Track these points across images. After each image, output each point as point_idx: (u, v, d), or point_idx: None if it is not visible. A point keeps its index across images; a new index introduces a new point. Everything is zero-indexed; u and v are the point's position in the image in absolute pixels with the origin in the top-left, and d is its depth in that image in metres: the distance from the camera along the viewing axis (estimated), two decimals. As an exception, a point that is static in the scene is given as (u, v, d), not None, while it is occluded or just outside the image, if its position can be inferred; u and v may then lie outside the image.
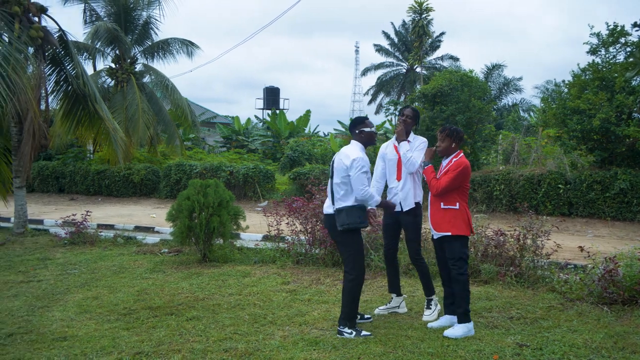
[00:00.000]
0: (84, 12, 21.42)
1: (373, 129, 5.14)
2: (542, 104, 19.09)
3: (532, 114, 35.61)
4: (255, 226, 10.71)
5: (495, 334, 4.96)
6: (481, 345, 4.63)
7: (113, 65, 22.16)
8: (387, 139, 31.11)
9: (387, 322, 5.36)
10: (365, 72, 47.72)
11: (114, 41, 21.17)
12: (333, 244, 7.73)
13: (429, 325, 5.18)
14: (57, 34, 11.40)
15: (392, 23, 51.94)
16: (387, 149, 5.70)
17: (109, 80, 22.59)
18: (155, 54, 22.98)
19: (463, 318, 4.93)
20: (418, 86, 37.26)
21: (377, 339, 4.83)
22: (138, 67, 22.73)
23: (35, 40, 10.73)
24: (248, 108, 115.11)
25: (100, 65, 22.75)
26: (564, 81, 17.15)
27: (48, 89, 11.44)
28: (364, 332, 4.97)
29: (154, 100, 22.48)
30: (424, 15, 36.38)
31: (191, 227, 8.13)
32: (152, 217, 14.74)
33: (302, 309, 5.85)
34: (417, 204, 5.51)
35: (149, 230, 12.39)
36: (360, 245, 5.04)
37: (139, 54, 22.89)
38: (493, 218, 12.99)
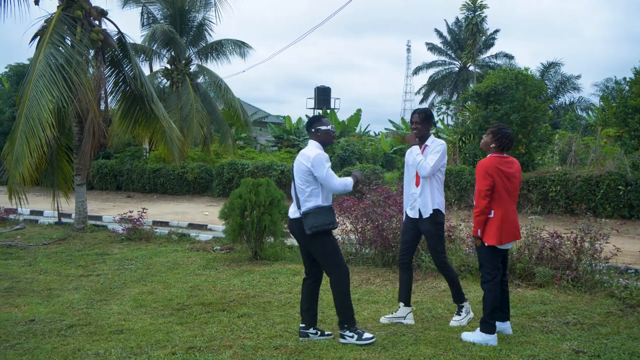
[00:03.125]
0: (142, 14, 22.05)
1: (329, 128, 4.96)
2: (602, 103, 18.50)
3: (590, 113, 34.49)
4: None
5: (550, 339, 4.83)
6: (535, 350, 4.52)
7: (169, 67, 22.71)
8: (439, 138, 30.73)
9: (439, 324, 5.30)
10: (416, 71, 47.28)
11: (170, 43, 21.69)
12: (383, 243, 7.70)
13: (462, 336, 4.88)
14: (116, 37, 11.77)
15: (445, 21, 51.22)
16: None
17: (165, 81, 23.18)
18: (209, 55, 23.43)
19: (482, 327, 4.72)
20: (471, 85, 36.66)
21: (428, 341, 4.78)
22: (192, 68, 23.22)
23: (96, 43, 11.11)
24: (299, 107, 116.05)
25: (157, 67, 23.38)
26: (625, 79, 16.55)
27: (107, 89, 11.82)
28: (366, 335, 4.76)
29: (207, 100, 22.93)
30: (477, 13, 35.78)
31: (243, 225, 8.25)
32: (205, 214, 15.03)
33: (351, 308, 5.85)
34: (436, 210, 5.22)
35: (202, 227, 12.64)
36: (334, 244, 4.79)
37: (193, 55, 23.38)
38: (548, 220, 12.64)
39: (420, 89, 47.64)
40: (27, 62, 19.12)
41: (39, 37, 10.77)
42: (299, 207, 4.78)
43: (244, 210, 8.28)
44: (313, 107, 46.18)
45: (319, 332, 4.96)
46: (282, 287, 6.84)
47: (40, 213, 14.56)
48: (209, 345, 4.73)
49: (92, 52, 11.34)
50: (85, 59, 10.92)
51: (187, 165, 20.09)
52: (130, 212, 11.24)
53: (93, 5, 11.37)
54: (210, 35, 23.24)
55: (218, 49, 23.28)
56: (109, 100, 12.04)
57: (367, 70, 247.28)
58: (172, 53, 22.45)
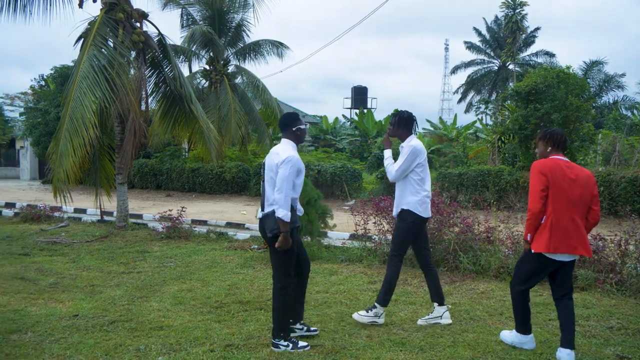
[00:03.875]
0: (181, 16, 22.39)
1: (306, 127, 4.94)
2: (648, 102, 17.91)
3: (635, 112, 33.48)
4: (342, 225, 10.77)
5: (593, 344, 4.72)
6: (578, 355, 4.42)
7: (207, 67, 23.01)
8: (477, 138, 30.32)
9: (477, 326, 5.23)
10: (455, 70, 46.77)
11: (209, 44, 21.96)
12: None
13: (501, 336, 4.80)
14: (157, 38, 11.98)
15: (484, 19, 50.50)
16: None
17: (204, 81, 23.49)
18: (247, 55, 23.64)
19: (517, 326, 4.63)
20: (511, 84, 36.05)
21: (466, 343, 4.73)
22: (230, 69, 23.46)
23: (137, 45, 11.33)
24: (335, 107, 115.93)
25: (196, 67, 23.71)
26: (672, 77, 16.01)
27: (148, 90, 12.03)
28: (300, 343, 4.67)
29: (245, 100, 23.14)
30: (517, 10, 35.17)
31: (280, 225, 8.29)
32: (242, 214, 15.18)
33: (388, 309, 5.82)
34: (405, 210, 5.27)
35: (240, 226, 12.76)
36: (291, 252, 4.68)
37: (231, 56, 23.62)
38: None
39: (458, 88, 47.11)
40: (71, 64, 19.62)
41: (82, 39, 11.04)
42: (262, 209, 4.71)
43: (281, 209, 8.31)
44: (350, 106, 46.17)
45: (305, 327, 4.97)
46: (318, 286, 6.85)
47: (84, 211, 14.94)
48: (247, 343, 4.77)
49: (133, 53, 11.56)
50: (126, 61, 11.15)
51: (225, 165, 20.31)
52: (169, 210, 11.42)
53: (134, 7, 11.58)
54: (248, 36, 23.48)
55: (256, 49, 23.47)
56: (149, 100, 12.25)
57: (404, 69, 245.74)
58: (211, 54, 22.72)
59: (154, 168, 22.29)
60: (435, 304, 5.38)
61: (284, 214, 4.48)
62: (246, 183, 20.30)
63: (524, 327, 4.57)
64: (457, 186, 16.79)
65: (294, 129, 4.81)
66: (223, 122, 20.91)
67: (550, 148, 4.48)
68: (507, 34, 37.12)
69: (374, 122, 34.56)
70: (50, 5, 10.90)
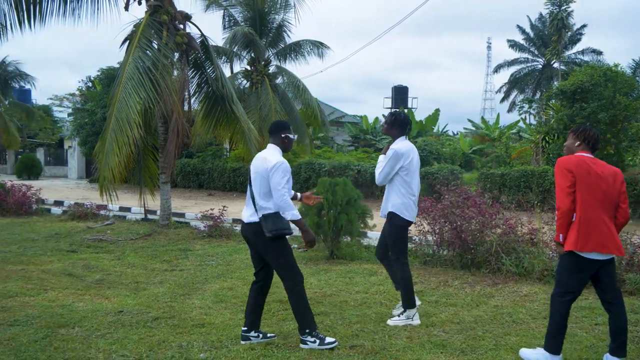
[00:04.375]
0: (223, 17, 22.66)
1: (295, 137, 4.95)
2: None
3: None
4: (381, 225, 10.70)
5: (642, 350, 4.58)
6: (625, 361, 4.30)
7: (248, 68, 23.23)
8: (520, 138, 29.74)
9: (520, 330, 5.14)
10: (497, 69, 46.03)
11: (250, 44, 22.16)
12: (462, 245, 7.55)
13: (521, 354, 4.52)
14: (199, 39, 12.16)
15: (528, 16, 49.46)
16: None
17: (245, 81, 23.72)
18: (288, 55, 23.76)
19: (546, 344, 4.31)
20: (555, 82, 35.23)
21: (508, 347, 4.66)
22: (271, 69, 23.63)
23: (180, 46, 11.53)
24: (376, 107, 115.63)
25: (237, 68, 23.96)
26: None
27: (191, 91, 12.22)
28: (328, 339, 4.70)
29: (285, 100, 23.27)
30: (563, 7, 34.33)
31: (320, 225, 8.32)
32: (282, 213, 15.25)
33: (428, 310, 5.78)
34: (391, 213, 5.38)
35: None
36: (289, 249, 4.76)
37: (272, 56, 23.78)
38: (639, 224, 11.97)
39: (501, 87, 46.34)
40: (117, 66, 20.10)
41: (128, 41, 11.29)
42: (256, 211, 4.68)
43: (321, 209, 8.35)
44: (390, 106, 45.87)
45: (261, 335, 4.90)
46: (358, 286, 6.85)
47: (128, 209, 15.29)
48: (286, 342, 4.81)
49: (176, 54, 11.76)
50: (170, 62, 11.35)
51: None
52: (211, 209, 11.57)
53: (178, 9, 11.78)
54: (288, 36, 23.59)
55: (296, 49, 23.58)
56: (192, 101, 12.44)
57: (445, 68, 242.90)
58: (252, 54, 22.93)
59: (196, 167, 22.63)
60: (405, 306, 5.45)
61: (293, 213, 4.56)
62: (286, 183, 20.40)
63: (555, 344, 4.26)
64: (499, 187, 16.51)
65: (282, 135, 4.85)
66: (264, 122, 21.08)
67: (578, 143, 4.30)
68: (552, 32, 36.24)
69: (414, 122, 34.29)
70: (98, 8, 11.19)
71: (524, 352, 4.47)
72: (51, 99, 46.49)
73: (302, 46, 23.53)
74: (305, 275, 7.37)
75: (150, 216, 13.40)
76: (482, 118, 38.52)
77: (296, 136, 5.11)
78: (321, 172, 18.65)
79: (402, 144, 5.33)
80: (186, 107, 11.93)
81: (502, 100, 45.92)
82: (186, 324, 5.36)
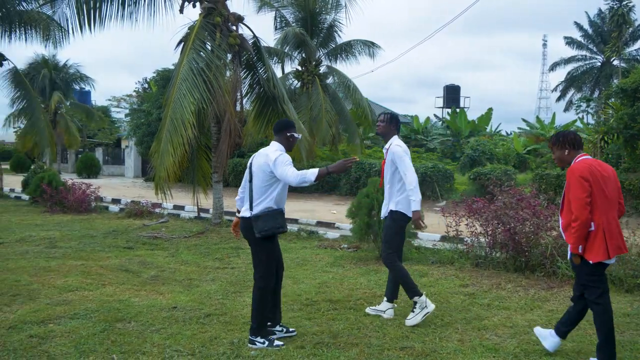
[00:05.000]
0: (275, 19, 22.86)
1: (299, 137, 4.99)
2: None
3: None
4: (433, 226, 10.60)
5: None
6: None
7: (299, 68, 23.36)
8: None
9: (576, 335, 4.98)
10: (553, 67, 44.79)
11: (301, 45, 22.29)
12: (515, 247, 7.39)
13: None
14: (251, 41, 12.31)
15: (586, 13, 48.01)
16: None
17: (296, 82, 23.87)
18: (339, 55, 23.78)
19: (600, 354, 4.20)
20: (615, 80, 34.02)
21: (564, 353, 4.53)
22: (322, 69, 23.69)
23: (233, 47, 11.71)
24: (426, 107, 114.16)
25: (288, 68, 24.14)
26: None
27: (243, 91, 12.39)
28: (276, 342, 4.74)
29: (336, 100, 23.29)
30: (624, 2, 33.07)
31: (370, 225, 8.30)
32: (332, 213, 15.30)
33: (480, 313, 5.68)
34: (392, 211, 5.48)
35: (330, 225, 12.87)
36: (273, 252, 4.85)
37: (323, 56, 23.84)
38: None
39: (557, 86, 45.01)
40: (172, 67, 20.57)
41: (182, 43, 11.54)
42: (250, 208, 4.77)
43: (371, 209, 8.32)
44: (442, 106, 45.41)
45: (285, 329, 5.01)
46: (408, 288, 6.78)
47: (182, 208, 15.62)
48: (336, 341, 4.81)
49: (229, 56, 11.94)
50: (223, 63, 11.54)
51: (315, 165, 20.55)
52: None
53: (231, 11, 11.97)
54: (339, 36, 23.60)
55: (347, 49, 23.57)
56: (244, 101, 12.61)
57: (498, 67, 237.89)
58: (303, 55, 23.06)
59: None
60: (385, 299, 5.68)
61: (312, 176, 4.52)
62: (336, 182, 20.45)
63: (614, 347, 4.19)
64: (555, 188, 16.06)
65: (288, 134, 4.90)
66: (314, 122, 21.17)
67: (567, 151, 4.32)
68: (612, 28, 34.97)
69: (466, 122, 33.75)
70: (154, 12, 11.53)
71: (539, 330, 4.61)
72: (109, 100, 48.12)
73: (353, 46, 23.50)
74: (354, 275, 7.41)
75: (203, 214, 13.64)
76: (537, 117, 37.50)
77: (300, 135, 5.19)
78: (371, 172, 18.59)
79: (400, 142, 5.53)
80: (238, 108, 12.10)
81: (558, 99, 44.63)
82: (237, 321, 5.44)
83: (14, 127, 34.98)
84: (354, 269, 7.94)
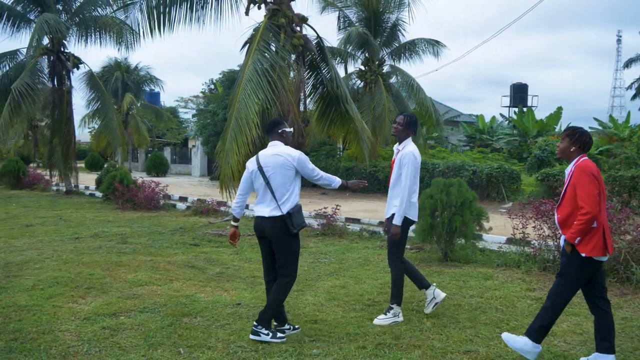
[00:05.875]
0: (338, 19, 22.92)
1: (292, 130, 4.97)
2: None
3: None
4: (498, 228, 10.36)
5: None
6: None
7: (362, 68, 23.33)
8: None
9: (620, 339, 4.76)
10: (628, 63, 42.73)
11: (364, 45, 22.26)
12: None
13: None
14: (315, 41, 12.40)
15: (665, 6, 45.51)
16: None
17: (359, 82, 23.85)
18: (402, 55, 23.62)
19: (532, 336, 4.35)
20: (697, 77, 32.19)
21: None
22: (385, 69, 23.58)
23: (297, 48, 11.82)
24: (492, 106, 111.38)
25: (351, 68, 24.14)
26: None
27: (306, 91, 12.50)
28: (279, 334, 4.85)
29: (399, 100, 23.14)
30: None
31: (433, 226, 8.19)
32: (395, 213, 15.18)
33: (548, 319, 5.50)
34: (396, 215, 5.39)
35: (392, 226, 12.76)
36: (299, 248, 4.99)
37: (386, 56, 23.72)
38: None
39: (632, 84, 42.95)
40: (237, 68, 20.97)
41: (248, 44, 11.75)
42: (278, 205, 4.81)
43: (435, 210, 8.21)
44: (508, 105, 44.30)
45: (292, 327, 5.08)
46: (472, 290, 6.66)
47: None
48: (398, 342, 4.78)
49: (293, 56, 12.07)
50: (287, 63, 11.67)
51: (378, 164, 20.48)
52: (324, 208, 11.76)
53: (295, 12, 12.08)
54: (403, 35, 23.43)
55: (411, 48, 23.36)
56: (307, 101, 12.72)
57: (569, 65, 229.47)
58: (366, 54, 23.01)
59: (310, 167, 23.08)
60: (424, 289, 5.71)
61: (338, 181, 5.10)
62: (399, 183, 20.29)
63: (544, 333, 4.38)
64: (629, 190, 15.35)
65: (279, 130, 5.01)
66: (377, 121, 21.10)
67: (574, 148, 4.35)
68: (694, 21, 33.12)
69: (534, 121, 32.75)
70: (221, 14, 11.81)
71: (507, 337, 4.50)
72: (177, 101, 49.51)
73: (416, 45, 23.27)
74: (417, 276, 7.31)
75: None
76: (611, 116, 35.93)
77: (292, 130, 5.27)
78: (435, 173, 18.34)
79: (414, 146, 5.49)
80: (302, 108, 12.21)
81: (634, 97, 42.54)
82: (299, 319, 5.49)
83: (88, 127, 36.77)
84: (416, 270, 7.85)
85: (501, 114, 40.92)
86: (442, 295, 5.67)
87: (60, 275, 6.94)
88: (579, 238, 4.19)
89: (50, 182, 21.73)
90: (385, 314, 5.46)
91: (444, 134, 30.08)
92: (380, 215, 14.49)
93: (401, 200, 5.31)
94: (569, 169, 4.35)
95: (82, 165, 39.34)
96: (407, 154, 5.36)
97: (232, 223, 5.27)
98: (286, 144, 5.03)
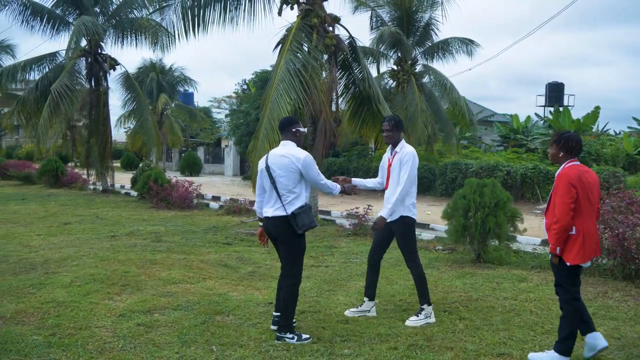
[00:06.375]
0: (371, 18, 22.82)
1: (305, 130, 4.90)
2: None
3: None
4: (533, 229, 10.21)
5: None
6: None
7: (395, 67, 23.19)
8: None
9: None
10: (670, 61, 41.62)
11: (397, 44, 22.12)
12: (624, 254, 6.94)
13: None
14: (347, 41, 12.39)
15: None
16: (384, 158, 5.80)
17: (391, 81, 23.72)
18: (435, 54, 23.39)
19: (559, 347, 4.38)
20: None
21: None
22: (418, 68, 23.39)
23: (329, 48, 11.82)
24: (527, 106, 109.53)
25: (383, 68, 24.01)
26: None
27: (338, 91, 12.50)
28: (304, 336, 4.84)
29: (432, 99, 22.94)
30: None
31: (466, 226, 8.10)
32: (427, 214, 15.08)
33: (585, 322, 5.39)
34: (403, 216, 5.44)
35: (424, 227, 12.70)
36: (304, 249, 5.00)
37: (419, 55, 23.54)
38: None
39: (674, 82, 41.83)
40: (270, 69, 21.10)
41: (280, 45, 11.81)
42: (283, 205, 4.81)
43: (468, 211, 8.12)
44: (544, 104, 43.55)
45: (295, 322, 5.11)
46: (506, 292, 6.58)
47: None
48: (430, 344, 4.75)
49: (325, 56, 12.08)
50: (319, 63, 11.69)
51: (410, 165, 20.34)
52: (356, 208, 11.75)
53: (327, 12, 12.09)
54: (436, 34, 23.18)
55: (444, 47, 23.13)
56: (339, 101, 12.71)
57: (606, 63, 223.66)
58: (399, 54, 22.87)
59: (341, 166, 23.09)
60: (366, 299, 5.69)
61: (337, 189, 5.20)
62: (431, 183, 20.14)
63: (570, 346, 4.38)
64: (670, 192, 14.94)
65: (293, 129, 4.99)
66: (409, 121, 20.94)
67: (562, 154, 4.44)
68: None
69: (570, 121, 32.06)
70: (254, 15, 11.90)
71: (532, 356, 4.48)
72: (210, 101, 50.00)
73: (450, 44, 23.02)
74: (449, 278, 7.28)
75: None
76: (651, 116, 35.03)
77: (306, 129, 5.31)
78: (468, 173, 18.14)
79: (412, 147, 5.57)
80: (334, 108, 12.21)
81: (676, 95, 41.44)
82: (331, 319, 5.50)
83: (124, 127, 37.43)
84: (449, 271, 7.80)
85: (536, 114, 40.17)
86: (373, 314, 5.68)
87: (96, 273, 7.09)
88: (559, 248, 4.31)
89: (87, 181, 22.20)
90: (417, 316, 5.44)
91: (477, 134, 29.73)
92: (412, 216, 14.40)
93: (398, 195, 5.40)
94: (557, 174, 4.47)
95: (118, 164, 40.04)
96: (408, 153, 5.46)
97: (260, 223, 5.32)
98: (298, 143, 5.04)
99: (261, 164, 5.04)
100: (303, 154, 4.89)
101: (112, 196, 19.36)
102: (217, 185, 25.95)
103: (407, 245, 5.58)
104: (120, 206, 15.88)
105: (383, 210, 5.48)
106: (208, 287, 6.67)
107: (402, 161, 5.44)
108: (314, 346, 4.71)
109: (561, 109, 35.07)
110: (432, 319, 5.42)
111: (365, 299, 5.74)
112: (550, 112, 36.64)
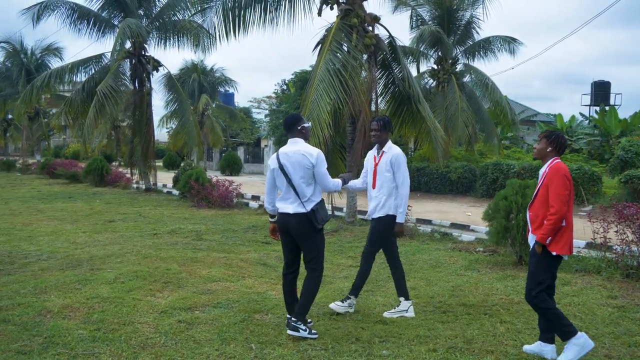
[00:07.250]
0: (411, 17, 22.70)
1: (310, 125, 4.93)
2: None
3: None
4: (577, 232, 9.88)
5: None
6: None
7: (435, 67, 23.00)
8: None
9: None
10: None
11: (437, 43, 21.93)
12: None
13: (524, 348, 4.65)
14: (387, 40, 12.33)
15: None
16: (369, 156, 5.90)
17: (431, 81, 23.53)
18: (476, 53, 23.14)
19: (565, 336, 4.42)
20: None
21: None
22: (459, 67, 23.15)
23: (369, 48, 11.79)
24: (571, 105, 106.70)
25: (424, 67, 23.84)
26: None
27: (378, 91, 12.45)
28: (313, 331, 4.94)
29: (473, 99, 22.66)
30: None
31: (508, 228, 7.97)
32: (467, 215, 14.89)
33: (631, 328, 5.25)
34: (389, 215, 5.58)
35: (464, 228, 12.55)
36: (324, 242, 5.14)
37: (460, 54, 23.29)
38: None
39: None
40: (309, 69, 21.19)
41: (320, 45, 11.83)
42: (301, 202, 4.93)
43: (509, 212, 7.99)
44: (589, 103, 42.47)
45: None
46: (549, 296, 6.43)
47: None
48: (470, 347, 4.70)
49: (365, 56, 12.05)
50: (359, 63, 11.67)
51: (450, 165, 20.13)
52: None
53: (367, 12, 12.06)
54: (477, 33, 22.92)
55: (485, 46, 22.83)
56: (379, 101, 12.65)
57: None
58: (439, 53, 22.66)
59: (380, 167, 22.99)
60: (402, 299, 5.70)
61: (339, 185, 5.36)
62: (472, 184, 19.87)
63: (569, 328, 4.42)
64: None
65: (299, 127, 5.10)
66: (450, 121, 20.74)
67: (550, 149, 4.57)
68: None
69: (617, 121, 31.19)
70: (294, 16, 11.96)
71: (527, 348, 4.63)
72: (250, 101, 50.55)
73: (491, 43, 22.71)
74: (490, 280, 7.17)
75: (337, 213, 13.89)
76: (703, 114, 33.74)
77: (310, 123, 5.49)
78: (510, 174, 17.82)
79: (397, 147, 5.72)
80: (373, 107, 12.17)
81: None
82: (369, 319, 5.48)
83: (166, 128, 38.12)
84: (489, 273, 7.68)
85: (581, 113, 39.18)
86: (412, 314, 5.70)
87: (139, 270, 7.24)
88: (549, 238, 4.41)
89: (130, 180, 22.68)
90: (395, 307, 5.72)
91: (519, 134, 29.19)
92: (452, 217, 14.26)
93: (403, 199, 5.60)
94: (542, 170, 4.58)
95: (160, 164, 40.77)
96: (397, 155, 5.64)
97: (270, 220, 5.41)
98: (306, 139, 5.18)
99: (273, 164, 5.13)
100: (315, 150, 5.04)
101: (155, 195, 19.73)
102: (256, 184, 26.16)
103: (376, 241, 5.78)
104: (162, 205, 16.17)
105: (399, 216, 5.64)
106: (247, 286, 6.74)
107: (393, 164, 5.63)
108: (352, 346, 4.71)
109: (607, 108, 34.12)
110: (410, 314, 5.60)
111: (401, 298, 5.75)
112: (596, 111, 35.68)
